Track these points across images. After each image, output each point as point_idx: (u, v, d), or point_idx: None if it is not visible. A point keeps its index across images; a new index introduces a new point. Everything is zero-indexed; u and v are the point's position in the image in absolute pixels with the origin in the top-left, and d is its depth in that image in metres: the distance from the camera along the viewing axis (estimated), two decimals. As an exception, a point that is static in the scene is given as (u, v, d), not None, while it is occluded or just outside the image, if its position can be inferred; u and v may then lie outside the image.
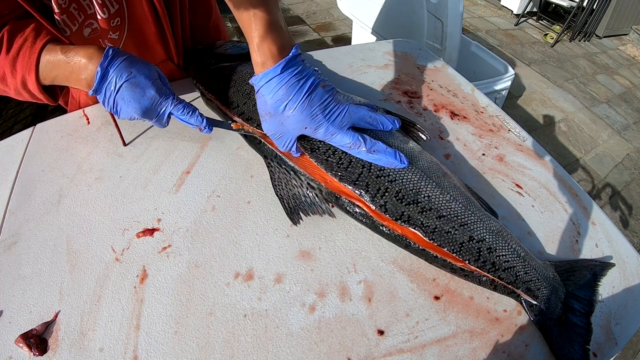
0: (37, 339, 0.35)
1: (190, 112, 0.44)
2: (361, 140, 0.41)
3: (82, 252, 0.42)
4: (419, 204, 0.41)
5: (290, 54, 0.40)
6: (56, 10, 0.44)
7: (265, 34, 0.40)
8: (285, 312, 0.38)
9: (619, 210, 1.88)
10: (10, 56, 0.43)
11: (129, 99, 0.42)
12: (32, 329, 0.36)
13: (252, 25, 0.40)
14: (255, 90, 0.41)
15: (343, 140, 0.41)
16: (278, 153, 0.47)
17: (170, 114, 0.45)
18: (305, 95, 0.40)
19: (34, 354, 0.34)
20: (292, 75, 0.40)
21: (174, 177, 0.50)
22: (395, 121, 0.45)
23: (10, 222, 0.44)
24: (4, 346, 0.35)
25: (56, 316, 0.37)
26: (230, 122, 0.49)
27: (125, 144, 0.48)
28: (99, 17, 0.48)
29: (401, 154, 0.42)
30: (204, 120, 0.45)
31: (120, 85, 0.41)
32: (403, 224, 0.40)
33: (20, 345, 0.34)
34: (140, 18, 0.52)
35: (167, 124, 0.46)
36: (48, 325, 0.36)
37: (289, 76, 0.39)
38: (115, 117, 0.46)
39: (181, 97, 0.47)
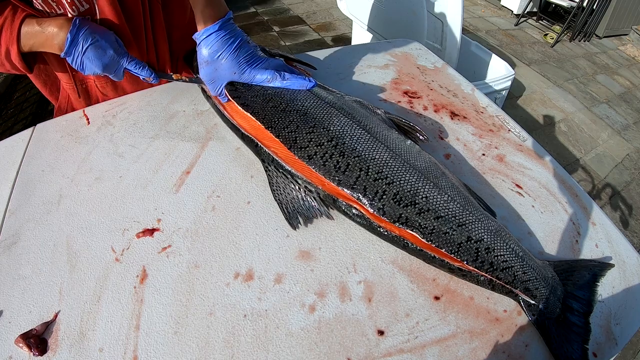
0: (36, 339, 0.35)
1: (141, 67, 0.55)
2: (277, 74, 0.51)
3: (82, 252, 0.42)
4: (417, 205, 0.41)
5: (225, 17, 0.51)
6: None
7: (208, 2, 0.50)
8: (285, 312, 0.38)
9: (619, 211, 1.88)
10: None
11: (93, 58, 0.52)
12: (32, 329, 0.36)
13: None
14: (197, 44, 0.51)
15: (262, 77, 0.52)
16: (275, 157, 0.47)
17: (125, 68, 0.55)
18: (235, 47, 0.51)
19: (33, 354, 0.34)
20: (226, 32, 0.50)
21: (174, 177, 0.50)
22: (310, 79, 0.53)
23: (10, 222, 0.44)
24: (4, 346, 0.35)
25: (56, 316, 0.37)
26: (172, 74, 0.60)
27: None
28: (69, 14, 0.52)
29: (310, 77, 0.53)
30: (152, 73, 0.57)
31: (86, 48, 0.51)
32: (401, 226, 0.40)
33: (20, 345, 0.34)
34: (111, 19, 0.55)
35: (122, 77, 0.57)
36: (48, 325, 0.36)
37: (223, 32, 0.50)
38: (81, 72, 0.55)
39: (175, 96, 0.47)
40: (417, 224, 0.40)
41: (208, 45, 0.50)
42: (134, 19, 0.58)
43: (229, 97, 0.51)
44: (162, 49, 0.66)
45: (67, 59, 0.52)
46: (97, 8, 0.53)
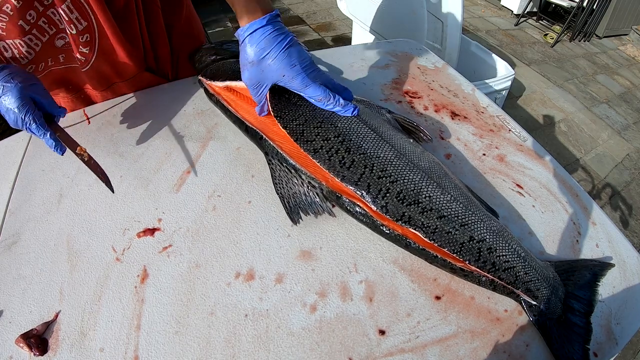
0: (37, 339, 0.35)
1: (43, 134, 0.47)
2: (331, 95, 0.45)
3: (83, 251, 0.42)
4: (420, 204, 0.41)
5: (274, 12, 0.45)
6: (25, 28, 0.47)
7: None
8: (287, 312, 0.38)
9: (619, 210, 1.88)
10: None
11: (5, 114, 0.46)
12: (32, 329, 0.35)
13: None
14: (240, 42, 0.45)
15: (315, 92, 0.45)
16: (279, 151, 0.47)
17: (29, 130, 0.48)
18: (286, 47, 0.44)
19: (34, 354, 0.34)
20: (275, 29, 0.44)
21: (175, 176, 0.50)
22: (351, 94, 0.48)
23: (10, 222, 0.44)
24: (5, 346, 0.35)
25: (56, 316, 0.37)
26: (78, 146, 0.49)
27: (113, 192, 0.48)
28: (68, 32, 0.51)
29: (357, 108, 0.47)
30: (54, 142, 0.47)
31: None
32: (404, 224, 0.40)
33: (21, 345, 0.34)
34: (109, 35, 0.54)
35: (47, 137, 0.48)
36: (48, 325, 0.36)
37: (272, 29, 0.44)
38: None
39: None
40: (420, 223, 0.40)
41: (254, 42, 0.44)
42: (133, 29, 0.57)
43: (271, 109, 0.47)
44: (162, 51, 0.66)
45: None
46: (95, 24, 0.52)
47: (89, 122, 0.57)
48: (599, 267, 0.43)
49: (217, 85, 0.54)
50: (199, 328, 0.37)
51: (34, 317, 0.37)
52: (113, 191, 0.47)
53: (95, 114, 0.59)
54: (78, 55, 0.54)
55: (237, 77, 0.53)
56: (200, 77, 0.59)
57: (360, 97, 0.55)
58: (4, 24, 0.45)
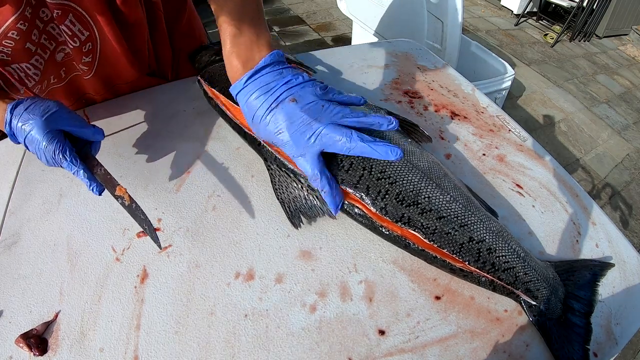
0: (37, 339, 0.35)
1: (75, 172, 0.42)
2: (316, 176, 0.39)
3: (83, 251, 0.42)
4: (419, 205, 0.40)
5: (256, 67, 0.40)
6: (32, 49, 0.45)
7: (231, 48, 0.41)
8: (286, 312, 0.38)
9: (619, 210, 1.88)
10: None
11: (35, 152, 0.42)
12: (32, 329, 0.36)
13: (221, 40, 0.42)
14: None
15: (303, 167, 0.39)
16: (278, 156, 0.47)
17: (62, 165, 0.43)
18: (267, 112, 0.39)
19: (34, 354, 0.34)
20: (257, 88, 0.39)
21: (175, 176, 0.50)
22: (393, 121, 0.40)
23: (10, 222, 0.44)
24: (4, 346, 0.35)
25: (56, 316, 0.37)
26: (119, 184, 0.43)
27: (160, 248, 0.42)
28: (70, 45, 0.49)
29: (339, 204, 0.41)
30: (91, 181, 0.42)
31: (24, 143, 0.42)
32: (403, 225, 0.40)
33: (21, 345, 0.34)
34: (110, 42, 0.53)
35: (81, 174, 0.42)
36: (48, 325, 0.36)
37: (253, 90, 0.39)
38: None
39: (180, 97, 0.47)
40: (420, 224, 0.40)
41: (241, 102, 0.41)
42: (136, 37, 0.56)
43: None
44: (164, 54, 0.66)
45: None
46: (97, 33, 0.51)
47: (89, 122, 0.57)
48: (599, 267, 0.43)
49: (215, 91, 0.54)
50: (198, 328, 0.37)
51: (34, 317, 0.37)
52: (160, 247, 0.41)
53: (96, 113, 0.59)
54: (80, 66, 0.53)
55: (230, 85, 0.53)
56: (199, 78, 0.59)
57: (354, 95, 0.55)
58: (10, 49, 0.44)
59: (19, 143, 0.43)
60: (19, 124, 0.41)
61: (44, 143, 0.40)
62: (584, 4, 3.16)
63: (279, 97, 0.39)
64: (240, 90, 0.40)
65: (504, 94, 1.51)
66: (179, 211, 0.46)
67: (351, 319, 0.38)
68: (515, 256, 0.40)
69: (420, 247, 0.41)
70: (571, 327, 0.38)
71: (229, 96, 0.52)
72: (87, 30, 0.49)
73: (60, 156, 0.41)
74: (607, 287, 0.43)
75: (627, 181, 2.07)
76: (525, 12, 3.58)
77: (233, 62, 0.41)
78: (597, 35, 3.58)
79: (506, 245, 0.40)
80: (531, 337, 0.38)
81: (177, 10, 0.67)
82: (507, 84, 1.46)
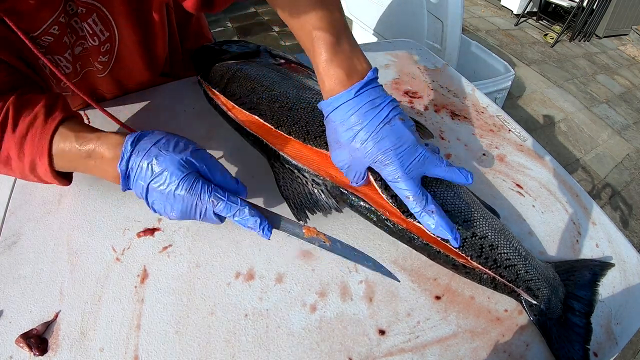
0: (37, 339, 0.35)
1: (237, 212, 0.36)
2: (422, 197, 0.36)
3: (83, 251, 0.42)
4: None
5: (366, 79, 0.36)
6: (67, 43, 0.44)
7: (331, 57, 0.37)
8: (286, 311, 0.38)
9: (619, 210, 1.88)
10: (17, 136, 0.36)
11: (162, 201, 0.35)
12: (32, 329, 0.35)
13: (314, 49, 0.37)
14: (325, 117, 0.38)
15: (406, 187, 0.36)
16: (281, 153, 0.47)
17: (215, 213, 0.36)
18: (380, 126, 0.35)
19: (34, 354, 0.34)
20: (366, 102, 0.36)
21: (175, 176, 0.50)
22: (469, 176, 0.39)
23: (10, 222, 0.44)
24: (5, 346, 0.35)
25: (56, 316, 0.37)
26: (301, 223, 0.40)
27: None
28: (90, 43, 0.49)
29: (457, 231, 0.37)
30: (258, 220, 0.36)
31: (147, 186, 0.35)
32: (409, 217, 0.40)
33: (21, 345, 0.34)
34: (130, 45, 0.53)
35: (223, 221, 0.38)
36: (48, 325, 0.36)
37: (362, 102, 0.36)
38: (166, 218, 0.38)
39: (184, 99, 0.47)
40: None
41: (339, 119, 0.36)
42: (156, 42, 0.55)
43: (372, 179, 0.40)
44: (176, 55, 0.65)
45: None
46: (117, 36, 0.50)
47: (89, 122, 0.57)
48: (599, 267, 0.43)
49: (216, 92, 0.54)
50: (199, 328, 0.37)
51: (34, 317, 0.37)
52: (398, 280, 0.39)
53: (96, 113, 0.59)
54: (96, 64, 0.53)
55: (232, 85, 0.53)
56: (199, 79, 0.59)
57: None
58: (51, 37, 0.42)
59: (126, 189, 0.36)
60: (143, 162, 0.34)
61: (182, 186, 0.34)
62: (584, 4, 3.17)
63: (388, 114, 0.36)
64: (346, 102, 0.36)
65: (504, 94, 1.51)
66: (179, 211, 0.46)
67: (351, 319, 0.38)
68: (517, 254, 0.40)
69: (424, 242, 0.41)
70: (571, 327, 0.38)
71: (229, 96, 0.52)
72: (108, 31, 0.49)
73: (212, 198, 0.35)
74: (607, 287, 0.43)
75: (627, 181, 2.07)
76: (525, 12, 3.58)
77: (332, 72, 0.37)
78: (597, 35, 3.58)
79: (508, 242, 0.40)
80: (531, 337, 0.38)
81: (185, 11, 0.66)
82: (507, 84, 1.46)
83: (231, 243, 0.43)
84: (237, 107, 0.51)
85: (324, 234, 0.39)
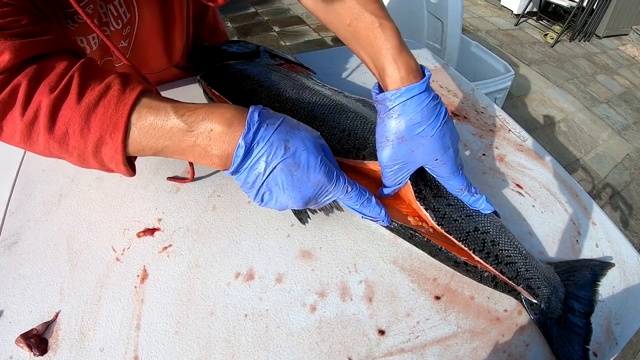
0: (37, 339, 0.35)
1: (366, 201, 0.35)
2: (470, 185, 0.40)
3: (83, 251, 0.42)
4: (432, 190, 0.42)
5: (428, 73, 0.35)
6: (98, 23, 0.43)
7: (401, 46, 0.35)
8: (286, 311, 0.38)
9: (619, 210, 1.88)
10: (83, 107, 0.29)
11: (286, 186, 0.31)
12: (32, 329, 0.35)
13: (381, 35, 0.35)
14: (385, 109, 0.35)
15: (460, 183, 0.38)
16: None
17: (335, 201, 0.35)
18: (443, 123, 0.35)
19: (34, 354, 0.34)
20: (431, 97, 0.34)
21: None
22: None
23: (10, 222, 0.44)
24: (4, 346, 0.35)
25: (56, 316, 0.37)
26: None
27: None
28: (112, 27, 0.48)
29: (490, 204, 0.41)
30: (382, 210, 0.36)
31: (275, 167, 0.30)
32: (419, 201, 0.41)
33: (21, 345, 0.34)
34: (149, 27, 0.53)
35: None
36: (48, 325, 0.36)
37: (428, 97, 0.34)
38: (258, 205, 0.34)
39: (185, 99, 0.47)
40: (432, 206, 0.41)
41: (407, 113, 0.33)
42: (175, 27, 0.54)
43: (416, 199, 0.40)
44: (188, 43, 0.65)
45: (235, 177, 0.33)
46: (137, 17, 0.49)
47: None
48: (599, 267, 0.43)
49: (215, 92, 0.54)
50: (198, 328, 0.37)
51: (34, 317, 0.37)
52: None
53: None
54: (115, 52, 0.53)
55: (232, 85, 0.53)
56: (199, 78, 0.59)
57: (361, 97, 0.55)
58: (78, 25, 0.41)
59: (234, 172, 0.31)
60: (274, 138, 0.30)
61: (321, 169, 0.31)
62: (584, 4, 3.17)
63: (445, 112, 0.36)
64: (419, 94, 0.34)
65: (504, 94, 1.51)
66: (179, 211, 0.46)
67: (351, 319, 0.38)
68: (517, 252, 0.40)
69: (426, 238, 0.41)
70: (571, 327, 0.38)
71: (229, 96, 0.52)
72: (129, 12, 0.48)
73: (347, 184, 0.33)
74: (607, 287, 0.43)
75: (627, 181, 2.07)
76: (525, 12, 3.58)
77: (404, 60, 0.35)
78: (597, 35, 3.58)
79: (509, 240, 0.41)
80: (531, 337, 0.38)
81: (202, 5, 0.66)
82: (507, 84, 1.46)
83: (231, 243, 0.43)
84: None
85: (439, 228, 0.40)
